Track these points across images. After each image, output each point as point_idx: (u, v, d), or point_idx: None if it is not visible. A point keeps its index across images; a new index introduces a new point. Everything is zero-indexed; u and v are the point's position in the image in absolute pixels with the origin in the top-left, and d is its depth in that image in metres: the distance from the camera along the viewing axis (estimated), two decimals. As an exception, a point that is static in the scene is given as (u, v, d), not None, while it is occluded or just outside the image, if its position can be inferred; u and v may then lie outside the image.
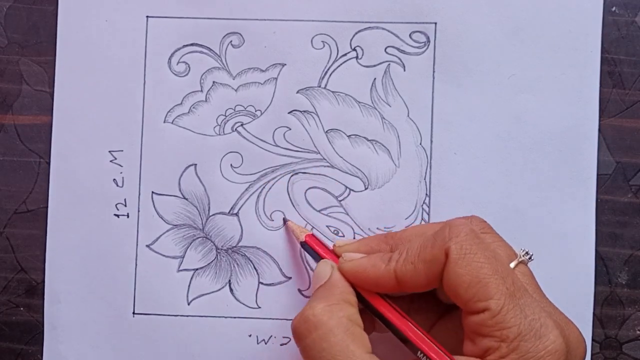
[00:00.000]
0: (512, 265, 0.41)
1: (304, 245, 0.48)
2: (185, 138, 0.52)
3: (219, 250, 0.52)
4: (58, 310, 0.52)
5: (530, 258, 0.42)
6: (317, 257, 0.47)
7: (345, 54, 0.52)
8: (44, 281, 0.52)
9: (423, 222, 0.51)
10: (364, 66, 0.52)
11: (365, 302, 0.43)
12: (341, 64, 0.52)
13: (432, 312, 0.45)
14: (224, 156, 0.52)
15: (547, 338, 0.37)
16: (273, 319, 0.51)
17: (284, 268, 0.52)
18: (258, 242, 0.52)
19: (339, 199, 0.52)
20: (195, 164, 0.52)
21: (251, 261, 0.52)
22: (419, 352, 0.40)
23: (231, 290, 0.52)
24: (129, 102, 0.52)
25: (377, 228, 0.51)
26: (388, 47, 0.51)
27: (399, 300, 0.45)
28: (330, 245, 0.48)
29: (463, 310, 0.39)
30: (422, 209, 0.51)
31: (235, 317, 0.52)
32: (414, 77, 0.51)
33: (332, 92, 0.52)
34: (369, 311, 0.43)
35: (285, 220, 0.51)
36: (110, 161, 0.52)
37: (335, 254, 0.46)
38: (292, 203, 0.52)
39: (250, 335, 0.52)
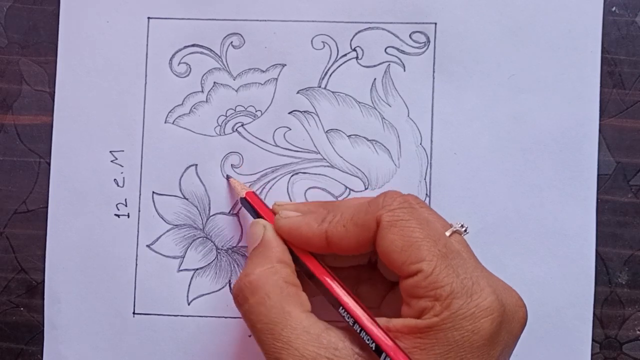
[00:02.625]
0: (447, 233, 0.41)
1: (243, 201, 0.49)
2: (186, 138, 0.52)
3: (219, 250, 0.52)
4: (58, 310, 0.52)
5: (465, 231, 0.42)
6: (255, 216, 0.47)
7: (345, 54, 0.52)
8: (44, 281, 0.52)
9: None
10: (364, 66, 0.52)
11: (298, 261, 0.44)
12: (341, 64, 0.52)
13: (380, 285, 0.46)
14: (224, 156, 0.52)
15: (479, 296, 0.37)
16: (273, 319, 0.52)
17: (284, 268, 0.52)
18: (258, 242, 0.52)
19: (339, 199, 0.52)
20: (196, 164, 0.52)
21: (251, 261, 0.52)
22: (340, 308, 0.41)
23: (231, 290, 0.52)
24: (130, 102, 0.52)
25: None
26: (388, 47, 0.51)
27: (348, 272, 0.46)
28: (271, 205, 0.48)
29: (399, 275, 0.39)
30: (423, 209, 0.51)
31: (235, 317, 0.52)
32: (414, 77, 0.51)
33: (332, 92, 0.52)
34: (301, 270, 0.44)
35: (227, 177, 0.51)
36: (111, 161, 0.52)
37: (273, 213, 0.47)
38: (292, 203, 0.52)
39: (250, 336, 0.52)
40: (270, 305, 0.40)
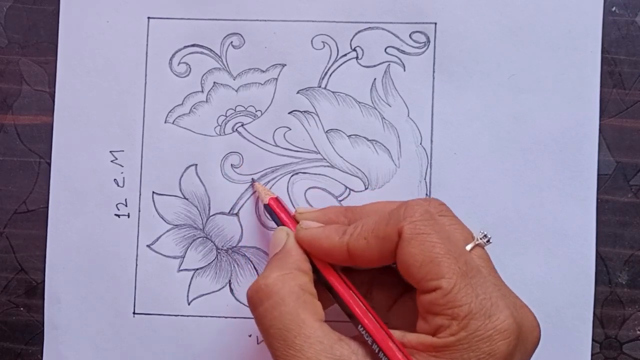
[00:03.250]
0: (468, 247, 0.41)
1: (267, 207, 0.49)
2: (186, 138, 0.52)
3: (219, 250, 0.52)
4: (58, 310, 0.52)
5: (488, 241, 0.42)
6: (279, 223, 0.47)
7: (345, 54, 0.52)
8: (44, 281, 0.52)
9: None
10: (364, 66, 0.52)
11: (318, 272, 0.43)
12: (341, 64, 0.52)
13: (393, 289, 0.45)
14: (224, 156, 0.52)
15: (497, 317, 0.37)
16: (273, 319, 0.52)
17: (284, 268, 0.52)
18: (258, 242, 0.52)
19: (339, 199, 0.52)
20: (196, 164, 0.52)
21: (251, 261, 0.52)
22: (360, 327, 0.41)
23: (231, 290, 0.52)
24: (130, 102, 0.52)
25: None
26: (388, 47, 0.51)
27: (361, 274, 0.45)
28: (293, 211, 0.48)
29: (417, 289, 0.39)
30: (423, 209, 0.51)
31: (235, 317, 0.52)
32: (414, 77, 0.51)
33: (332, 92, 0.52)
34: (320, 282, 0.43)
35: (252, 181, 0.51)
36: (111, 161, 0.52)
37: (295, 220, 0.47)
38: (292, 203, 0.52)
39: (250, 336, 0.52)
40: (285, 311, 0.40)
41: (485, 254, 0.42)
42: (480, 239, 0.42)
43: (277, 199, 0.49)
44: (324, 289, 0.43)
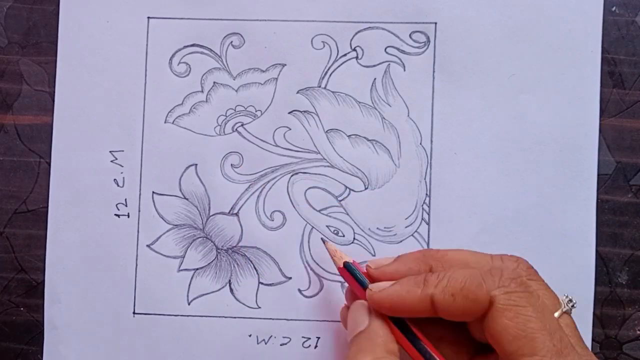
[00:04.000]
0: (556, 314, 0.40)
1: (341, 270, 0.46)
2: (186, 138, 0.52)
3: (219, 250, 0.52)
4: (58, 310, 0.52)
5: (573, 306, 0.41)
6: (351, 289, 0.46)
7: (345, 54, 0.52)
8: (44, 281, 0.52)
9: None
10: (364, 66, 0.52)
11: (398, 334, 0.42)
12: (341, 64, 0.52)
13: (464, 347, 0.44)
14: (224, 156, 0.52)
15: None
16: (273, 319, 0.51)
17: (284, 268, 0.52)
18: (258, 242, 0.52)
19: (339, 199, 0.52)
20: (196, 164, 0.52)
21: (251, 261, 0.52)
22: None
23: (231, 290, 0.52)
24: (129, 102, 0.52)
25: (377, 228, 0.51)
26: (388, 47, 0.51)
27: (430, 327, 0.43)
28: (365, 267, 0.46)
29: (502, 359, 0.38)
30: (422, 209, 0.51)
31: (235, 317, 0.52)
32: (414, 77, 0.51)
33: (332, 92, 0.52)
34: (399, 343, 0.42)
35: (323, 241, 0.50)
36: (111, 161, 0.52)
37: (369, 276, 0.44)
38: (292, 203, 0.52)
39: (250, 335, 0.52)
40: None
41: (572, 322, 0.40)
42: (567, 304, 0.41)
43: (350, 264, 0.46)
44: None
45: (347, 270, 0.45)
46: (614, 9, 0.51)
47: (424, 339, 0.41)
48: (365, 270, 0.45)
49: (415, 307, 0.40)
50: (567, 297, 0.41)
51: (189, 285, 0.52)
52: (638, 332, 0.51)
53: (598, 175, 0.51)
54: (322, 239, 0.50)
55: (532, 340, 0.37)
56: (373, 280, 0.44)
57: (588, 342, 0.50)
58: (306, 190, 0.52)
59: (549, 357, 0.36)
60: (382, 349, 0.41)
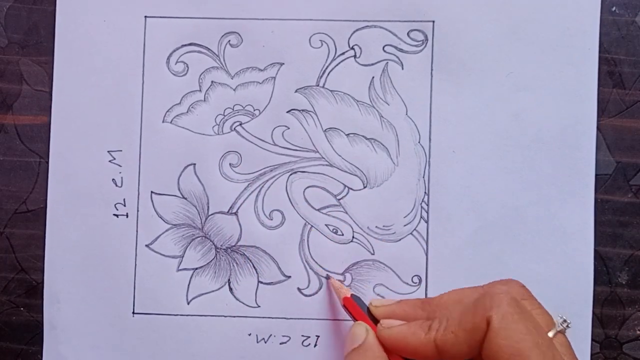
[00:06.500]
0: (550, 334, 0.40)
1: (346, 300, 0.48)
2: (184, 138, 0.52)
3: (218, 250, 0.52)
4: (58, 310, 0.52)
5: (567, 326, 0.41)
6: (355, 319, 0.47)
7: (343, 53, 0.52)
8: (44, 281, 0.52)
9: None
10: (362, 65, 0.52)
11: None
12: (339, 63, 0.52)
13: None
14: (222, 155, 0.52)
15: None
16: (272, 317, 0.52)
17: (283, 267, 0.52)
18: (257, 241, 0.52)
19: (338, 197, 0.52)
20: (194, 164, 0.52)
21: (250, 260, 0.52)
22: None
23: (230, 289, 0.52)
24: (127, 102, 0.52)
25: (376, 226, 0.51)
26: (386, 45, 0.51)
27: None
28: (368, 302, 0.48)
29: None
30: (421, 207, 0.51)
31: (234, 316, 0.52)
32: (412, 75, 0.51)
33: (331, 91, 0.52)
34: None
35: (327, 277, 0.51)
36: (109, 161, 0.52)
37: (371, 314, 0.46)
38: (290, 202, 0.52)
39: (249, 334, 0.52)
40: None
41: (566, 341, 0.41)
42: (561, 324, 0.41)
43: (351, 297, 0.48)
44: None
45: (355, 301, 0.48)
46: (613, 8, 0.51)
47: None
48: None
49: (419, 350, 0.41)
50: (561, 317, 0.41)
51: (188, 284, 0.52)
52: (638, 332, 0.51)
53: (598, 175, 0.51)
54: (327, 275, 0.51)
55: (526, 358, 0.37)
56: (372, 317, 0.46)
57: (588, 342, 0.50)
58: (305, 189, 0.52)
59: None
60: None
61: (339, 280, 0.51)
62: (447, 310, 0.42)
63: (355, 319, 0.47)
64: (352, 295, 0.49)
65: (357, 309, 0.47)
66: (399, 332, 0.43)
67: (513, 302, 0.39)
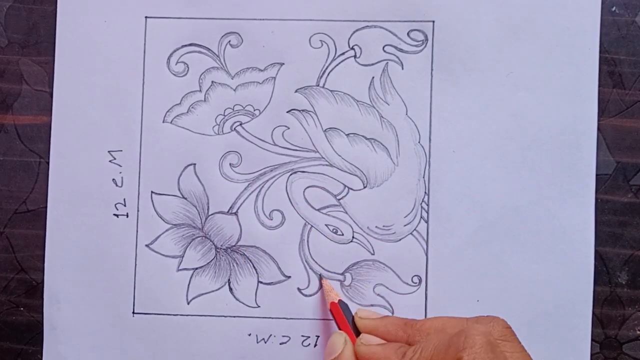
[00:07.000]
0: None
1: (333, 305, 0.49)
2: (184, 138, 0.52)
3: (218, 250, 0.52)
4: (58, 310, 0.52)
5: None
6: (339, 326, 0.48)
7: (343, 53, 0.52)
8: (44, 281, 0.52)
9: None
10: (362, 65, 0.52)
11: None
12: (339, 63, 0.52)
13: None
14: (222, 155, 0.52)
15: None
16: (272, 318, 0.52)
17: (283, 267, 0.52)
18: (257, 241, 0.52)
19: (338, 197, 0.52)
20: (194, 164, 0.52)
21: (250, 260, 0.52)
22: None
23: (230, 289, 0.52)
24: (128, 102, 0.52)
25: (376, 226, 0.51)
26: (386, 45, 0.51)
27: None
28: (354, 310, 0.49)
29: None
30: (421, 207, 0.51)
31: (234, 316, 0.52)
32: (412, 75, 0.51)
33: (331, 91, 0.52)
34: None
35: (320, 277, 0.52)
36: (110, 161, 0.52)
37: (354, 323, 0.48)
38: (290, 202, 0.52)
39: (249, 334, 0.52)
40: None
41: None
42: None
43: (339, 303, 0.49)
44: None
45: (340, 308, 0.49)
46: (613, 9, 0.51)
47: None
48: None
49: None
50: None
51: (188, 284, 0.52)
52: (638, 332, 0.51)
53: (598, 175, 0.51)
54: (320, 275, 0.52)
55: None
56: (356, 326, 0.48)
57: (588, 342, 0.50)
58: (305, 189, 0.52)
59: None
60: None
61: (339, 281, 0.51)
62: (426, 337, 0.43)
63: (338, 326, 0.48)
64: (339, 301, 0.49)
65: (341, 316, 0.48)
66: (374, 353, 0.44)
67: (487, 346, 0.39)
